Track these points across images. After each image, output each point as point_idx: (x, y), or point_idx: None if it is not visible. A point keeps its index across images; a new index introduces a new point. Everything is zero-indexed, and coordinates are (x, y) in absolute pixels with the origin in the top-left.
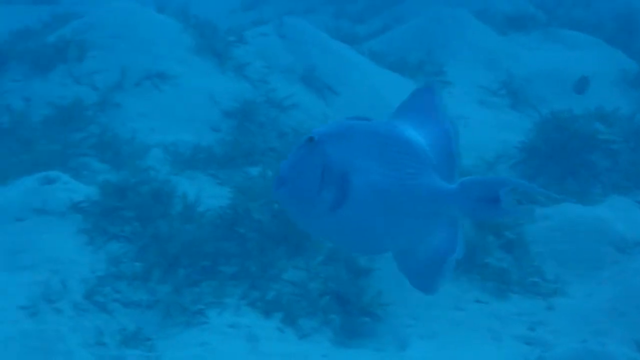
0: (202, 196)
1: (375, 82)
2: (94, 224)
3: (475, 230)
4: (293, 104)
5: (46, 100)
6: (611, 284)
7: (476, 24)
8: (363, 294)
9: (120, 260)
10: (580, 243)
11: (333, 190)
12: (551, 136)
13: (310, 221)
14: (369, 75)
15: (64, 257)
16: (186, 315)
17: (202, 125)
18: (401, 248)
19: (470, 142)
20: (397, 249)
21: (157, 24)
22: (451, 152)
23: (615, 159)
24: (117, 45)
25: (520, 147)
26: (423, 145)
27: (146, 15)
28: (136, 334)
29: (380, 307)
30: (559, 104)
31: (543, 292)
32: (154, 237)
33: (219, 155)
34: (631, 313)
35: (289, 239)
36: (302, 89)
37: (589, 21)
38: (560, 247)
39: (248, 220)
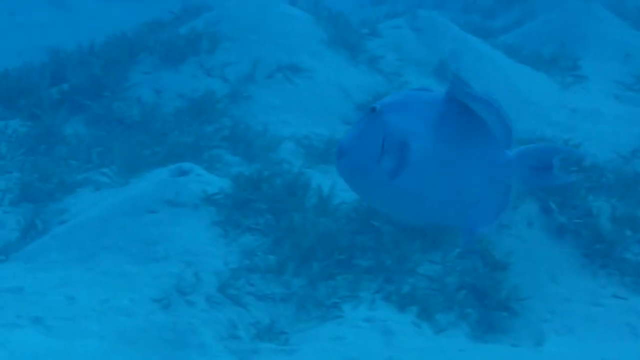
0: (336, 189)
1: (510, 76)
2: (227, 216)
3: (612, 224)
4: None
5: (177, 92)
6: None
7: (611, 17)
8: (500, 288)
9: (254, 253)
10: None
11: (393, 157)
12: None
13: (370, 190)
14: (503, 69)
15: (197, 250)
16: (321, 309)
17: (334, 119)
18: (456, 214)
19: (605, 136)
20: (452, 215)
21: (289, 17)
22: (504, 119)
23: None
24: (248, 37)
25: None
26: (478, 113)
27: (278, 7)
28: (270, 327)
29: (517, 301)
30: None
31: None
32: (288, 229)
33: None
34: None
35: (425, 233)
36: (435, 83)
37: None
38: None
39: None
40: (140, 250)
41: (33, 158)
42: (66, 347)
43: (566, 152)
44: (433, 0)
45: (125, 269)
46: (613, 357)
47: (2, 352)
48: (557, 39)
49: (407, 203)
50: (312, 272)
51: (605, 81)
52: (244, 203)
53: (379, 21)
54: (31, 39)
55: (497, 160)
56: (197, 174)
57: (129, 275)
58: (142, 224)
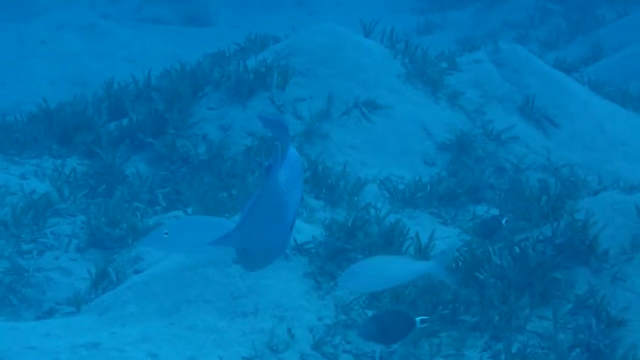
0: (434, 238)
1: (597, 114)
2: (320, 267)
3: None
4: (512, 137)
5: (246, 129)
6: None
7: None
8: (616, 347)
9: (350, 307)
10: None
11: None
12: None
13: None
14: (590, 106)
15: (289, 303)
16: None
17: (415, 159)
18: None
19: None
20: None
21: (364, 49)
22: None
23: None
24: (322, 71)
25: None
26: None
27: (352, 39)
28: None
29: None
30: None
31: None
32: None
33: (440, 192)
34: None
35: (533, 286)
36: (520, 121)
37: None
38: None
39: (487, 264)
40: (227, 304)
41: (98, 200)
42: None
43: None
44: (483, 31)
45: (211, 324)
46: None
47: None
48: None
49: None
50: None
51: None
52: (338, 253)
53: (458, 54)
54: (63, 67)
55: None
56: None
57: (216, 331)
58: (228, 276)
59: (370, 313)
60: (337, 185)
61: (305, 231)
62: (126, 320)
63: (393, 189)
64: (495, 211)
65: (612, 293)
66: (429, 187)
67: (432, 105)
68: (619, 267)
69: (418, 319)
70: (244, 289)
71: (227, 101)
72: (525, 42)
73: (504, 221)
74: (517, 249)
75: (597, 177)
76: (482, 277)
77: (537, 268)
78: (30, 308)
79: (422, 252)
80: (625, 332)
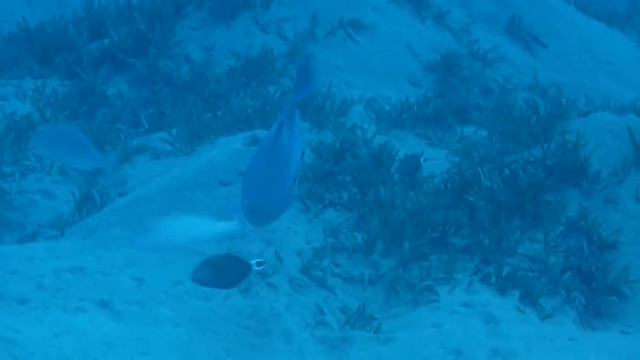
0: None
1: (584, 34)
2: (308, 189)
3: None
4: (498, 57)
5: (230, 50)
6: None
7: None
8: (608, 270)
9: (338, 231)
10: None
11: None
12: None
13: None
14: (577, 25)
15: (276, 227)
16: (413, 293)
17: (401, 79)
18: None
19: None
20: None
21: None
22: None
23: None
24: None
25: None
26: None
27: None
28: (360, 313)
29: (627, 284)
30: None
31: None
32: (375, 204)
33: (427, 113)
34: None
35: (524, 208)
36: (506, 40)
37: None
38: None
39: (477, 186)
40: None
41: (80, 122)
42: (138, 335)
43: None
44: None
45: (198, 248)
46: None
47: (68, 340)
48: None
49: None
50: (402, 252)
51: None
52: (326, 175)
53: None
54: None
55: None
56: None
57: (203, 255)
58: (214, 198)
59: (359, 236)
60: (324, 106)
61: None
62: (111, 244)
63: (379, 110)
64: (483, 132)
65: (603, 215)
66: (415, 107)
67: (417, 24)
68: (610, 188)
69: (254, 261)
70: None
71: (210, 21)
72: None
73: (422, 160)
74: (507, 171)
75: (584, 97)
76: (471, 199)
77: (527, 190)
78: (12, 231)
79: None
80: (617, 255)
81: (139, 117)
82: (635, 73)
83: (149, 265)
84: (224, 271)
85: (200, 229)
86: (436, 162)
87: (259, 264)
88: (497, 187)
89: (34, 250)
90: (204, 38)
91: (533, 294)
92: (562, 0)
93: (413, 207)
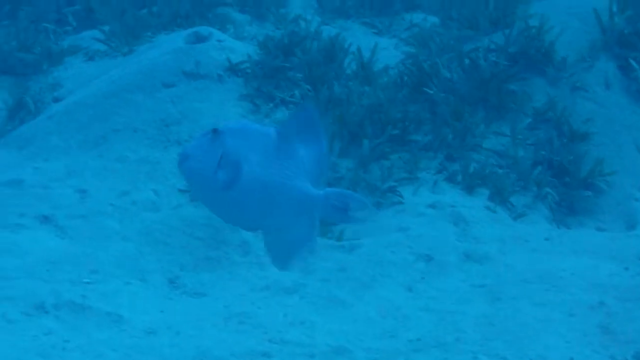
0: (378, 52)
1: None
2: (257, 88)
3: None
4: None
5: None
6: None
7: None
8: (581, 162)
9: None
10: None
11: (227, 173)
12: None
13: (206, 195)
14: None
15: None
16: (375, 195)
17: None
18: (271, 230)
19: None
20: (268, 230)
21: None
22: (322, 165)
23: None
24: None
25: None
26: (302, 155)
27: None
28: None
29: (601, 177)
30: None
31: None
32: (329, 102)
33: None
34: None
35: (488, 100)
36: None
37: None
38: None
39: (436, 78)
40: (159, 132)
41: (5, 23)
42: (85, 251)
43: (360, 201)
44: None
45: (143, 155)
46: None
47: (10, 259)
48: None
49: (234, 211)
50: (362, 152)
51: None
52: (276, 72)
53: None
54: None
55: (307, 194)
56: (218, 40)
57: (148, 162)
58: (158, 101)
59: None
60: None
61: (239, 50)
62: (50, 154)
63: None
64: (433, 18)
65: (572, 104)
66: None
67: None
68: (578, 75)
69: None
70: (177, 114)
71: None
72: None
73: None
74: (467, 60)
75: None
76: (431, 92)
77: (490, 80)
78: None
79: (365, 69)
80: (589, 146)
81: (65, 15)
82: None
83: (91, 175)
84: None
85: None
86: (386, 52)
87: None
88: (457, 78)
89: None
90: None
91: (503, 191)
92: None
93: (370, 103)
